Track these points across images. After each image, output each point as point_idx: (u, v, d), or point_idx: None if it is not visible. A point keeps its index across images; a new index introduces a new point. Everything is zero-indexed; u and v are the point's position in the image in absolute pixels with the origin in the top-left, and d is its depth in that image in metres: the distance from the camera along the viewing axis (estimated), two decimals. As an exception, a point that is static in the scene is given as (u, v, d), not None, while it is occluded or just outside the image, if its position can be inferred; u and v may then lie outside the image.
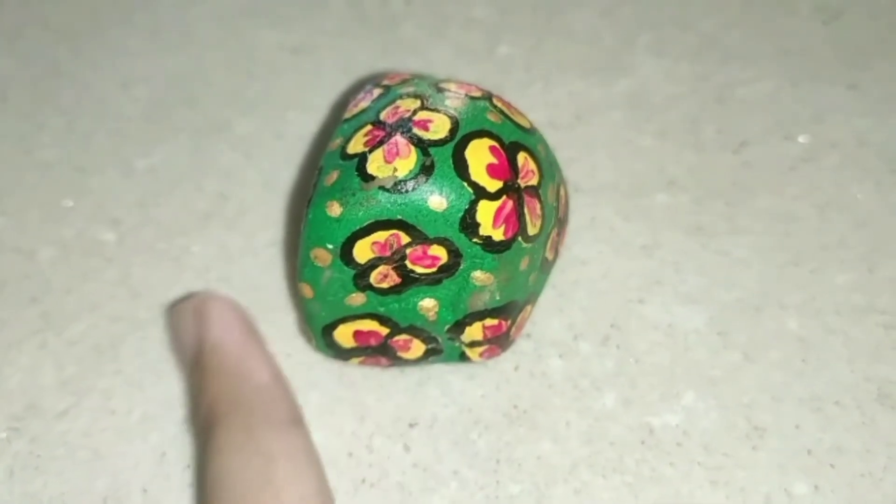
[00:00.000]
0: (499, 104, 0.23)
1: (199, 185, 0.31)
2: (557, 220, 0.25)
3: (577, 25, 0.36)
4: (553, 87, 0.34)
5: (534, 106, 0.33)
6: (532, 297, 0.25)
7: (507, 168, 0.22)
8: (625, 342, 0.26)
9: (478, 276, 0.22)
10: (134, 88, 0.35)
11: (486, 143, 0.21)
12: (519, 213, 0.22)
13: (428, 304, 0.23)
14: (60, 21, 0.38)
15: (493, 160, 0.21)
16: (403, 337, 0.24)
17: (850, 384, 0.25)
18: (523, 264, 0.23)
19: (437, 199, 0.21)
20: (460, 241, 0.21)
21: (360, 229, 0.21)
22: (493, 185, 0.21)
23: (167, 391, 0.25)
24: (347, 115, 0.24)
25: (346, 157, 0.22)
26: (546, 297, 0.27)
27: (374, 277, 0.22)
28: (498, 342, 0.24)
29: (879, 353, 0.25)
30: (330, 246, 0.22)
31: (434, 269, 0.22)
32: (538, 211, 0.22)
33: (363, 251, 0.21)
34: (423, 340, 0.24)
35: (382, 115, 0.22)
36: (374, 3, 0.38)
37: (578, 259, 0.28)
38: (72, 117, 0.34)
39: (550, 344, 0.26)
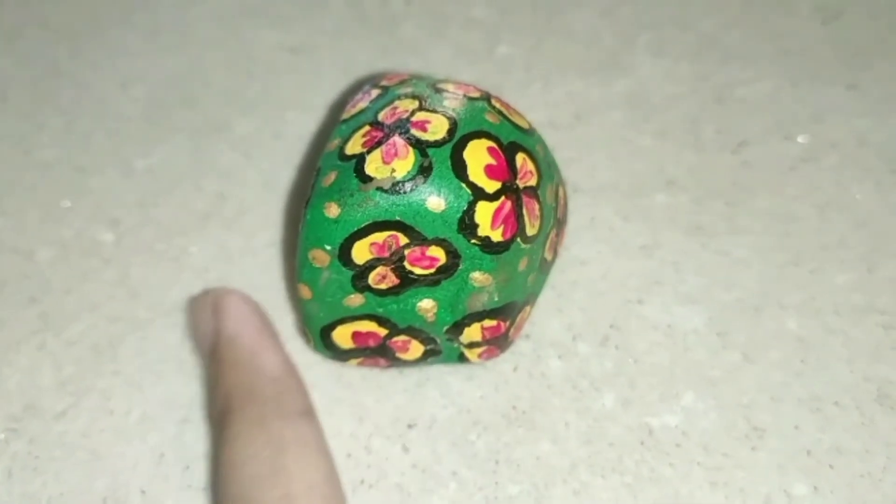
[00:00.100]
0: (497, 105, 0.23)
1: (198, 185, 0.31)
2: (556, 220, 0.25)
3: (576, 25, 0.36)
4: (552, 87, 0.34)
5: (533, 106, 0.33)
6: (531, 298, 0.25)
7: (505, 169, 0.21)
8: (624, 342, 0.26)
9: (476, 276, 0.22)
10: (133, 88, 0.35)
11: (485, 143, 0.21)
12: (517, 214, 0.22)
13: (426, 305, 0.23)
14: (60, 21, 0.38)
15: (492, 161, 0.21)
16: (402, 338, 0.24)
17: (849, 384, 0.25)
18: (522, 265, 0.23)
19: (435, 199, 0.21)
20: (459, 242, 0.21)
21: (359, 230, 0.21)
22: (491, 186, 0.21)
23: (166, 392, 0.25)
24: (345, 115, 0.24)
25: (344, 157, 0.22)
26: (545, 297, 0.27)
27: (372, 278, 0.22)
28: (497, 343, 0.24)
29: (879, 354, 0.25)
30: (328, 247, 0.22)
31: (432, 270, 0.22)
32: (537, 212, 0.22)
33: (361, 252, 0.21)
34: (422, 341, 0.24)
35: (380, 116, 0.22)
36: (374, 3, 0.38)
37: (578, 259, 0.28)
38: (71, 117, 0.34)
39: (549, 344, 0.26)
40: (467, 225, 0.21)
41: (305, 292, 0.23)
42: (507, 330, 0.24)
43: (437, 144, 0.21)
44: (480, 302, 0.23)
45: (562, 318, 0.27)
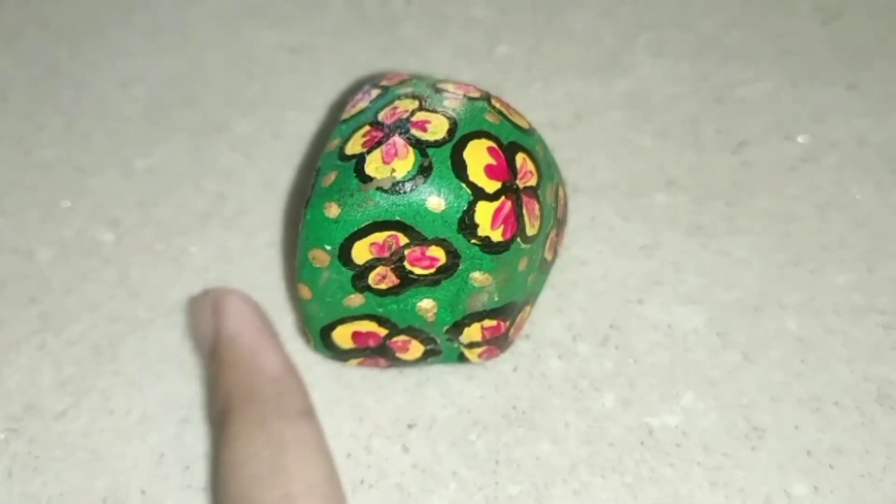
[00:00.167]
0: (497, 105, 0.23)
1: (198, 185, 0.31)
2: (556, 220, 0.25)
3: (576, 25, 0.36)
4: (552, 87, 0.34)
5: (533, 106, 0.33)
6: (531, 298, 0.25)
7: (505, 169, 0.21)
8: (624, 342, 0.26)
9: (476, 276, 0.22)
10: (133, 88, 0.35)
11: (485, 143, 0.21)
12: (517, 214, 0.22)
13: (426, 305, 0.23)
14: (60, 21, 0.38)
15: (492, 161, 0.21)
16: (402, 338, 0.24)
17: (849, 384, 0.25)
18: (522, 265, 0.23)
19: (435, 199, 0.21)
20: (459, 241, 0.21)
21: (359, 230, 0.21)
22: (491, 186, 0.21)
23: (166, 392, 0.25)
24: (345, 115, 0.24)
25: (344, 157, 0.22)
26: (545, 297, 0.27)
27: (372, 278, 0.22)
28: (497, 343, 0.24)
29: (879, 354, 0.25)
30: (328, 247, 0.22)
31: (432, 270, 0.22)
32: (537, 212, 0.22)
33: (361, 252, 0.21)
34: (422, 341, 0.24)
35: (380, 116, 0.22)
36: (374, 3, 0.38)
37: (577, 259, 0.28)
38: (71, 117, 0.34)
39: (549, 344, 0.26)
40: (467, 225, 0.21)
41: (305, 292, 0.23)
42: (507, 330, 0.24)
43: (437, 144, 0.21)
44: (480, 302, 0.23)
45: (562, 318, 0.27)
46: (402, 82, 0.24)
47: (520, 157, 0.22)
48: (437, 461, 0.24)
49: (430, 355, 0.24)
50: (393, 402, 0.25)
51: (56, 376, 0.26)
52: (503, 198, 0.21)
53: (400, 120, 0.22)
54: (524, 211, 0.22)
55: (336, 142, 0.23)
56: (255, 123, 0.33)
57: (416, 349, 0.24)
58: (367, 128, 0.22)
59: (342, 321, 0.23)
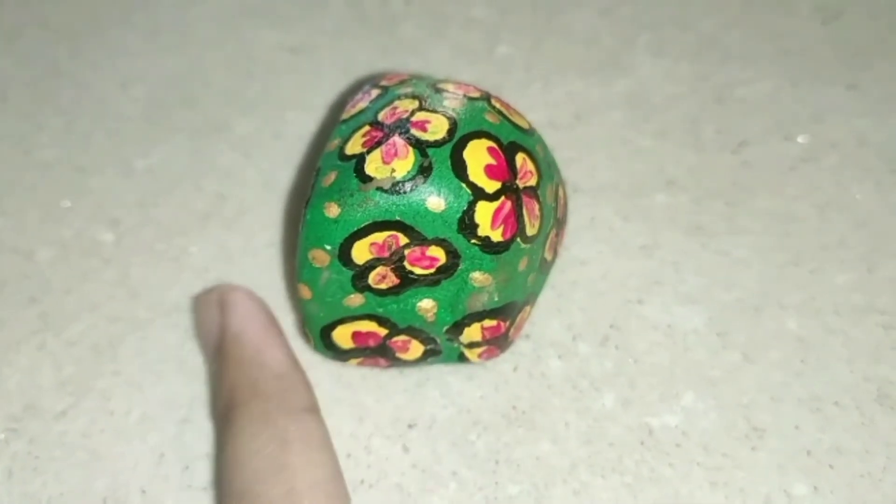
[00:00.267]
0: (497, 105, 0.23)
1: (198, 185, 0.31)
2: (556, 220, 0.25)
3: (576, 25, 0.36)
4: (552, 87, 0.34)
5: (533, 106, 0.33)
6: (531, 298, 0.25)
7: (505, 169, 0.21)
8: (624, 342, 0.26)
9: (476, 276, 0.22)
10: (133, 88, 0.35)
11: (485, 143, 0.21)
12: (517, 214, 0.22)
13: (426, 304, 0.23)
14: (60, 21, 0.38)
15: (492, 161, 0.21)
16: (402, 338, 0.24)
17: (849, 384, 0.25)
18: (522, 265, 0.23)
19: (435, 199, 0.21)
20: (459, 241, 0.21)
21: (359, 230, 0.21)
22: (491, 186, 0.21)
23: (166, 392, 0.25)
24: (345, 115, 0.24)
25: (344, 157, 0.22)
26: (545, 297, 0.27)
27: (372, 278, 0.22)
28: (497, 343, 0.24)
29: (879, 354, 0.25)
30: (328, 247, 0.22)
31: (432, 270, 0.22)
32: (537, 211, 0.22)
33: (361, 252, 0.21)
34: (422, 341, 0.24)
35: (380, 116, 0.22)
36: (374, 3, 0.38)
37: (577, 259, 0.28)
38: (71, 117, 0.34)
39: (549, 344, 0.26)
40: (467, 225, 0.21)
41: (305, 292, 0.23)
42: (507, 330, 0.24)
43: (437, 144, 0.21)
44: (480, 302, 0.23)
45: (562, 318, 0.27)
46: (402, 82, 0.24)
47: (520, 157, 0.22)
48: (438, 461, 0.24)
49: (430, 355, 0.24)
50: (393, 402, 0.25)
51: (56, 376, 0.26)
52: (503, 198, 0.21)
53: (400, 120, 0.22)
54: (524, 211, 0.22)
55: (336, 142, 0.23)
56: (255, 123, 0.33)
57: (416, 349, 0.24)
58: (367, 128, 0.22)
59: (342, 321, 0.23)
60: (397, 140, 0.21)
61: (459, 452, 0.24)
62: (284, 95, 0.34)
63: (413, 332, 0.24)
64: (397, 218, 0.21)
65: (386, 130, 0.22)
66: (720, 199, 0.30)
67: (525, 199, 0.22)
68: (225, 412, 0.22)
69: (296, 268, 0.23)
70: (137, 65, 0.36)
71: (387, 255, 0.21)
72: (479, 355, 0.24)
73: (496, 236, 0.21)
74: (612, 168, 0.31)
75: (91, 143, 0.33)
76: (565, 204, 0.26)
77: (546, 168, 0.23)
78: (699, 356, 0.26)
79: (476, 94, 0.23)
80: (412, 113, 0.22)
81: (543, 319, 0.27)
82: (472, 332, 0.23)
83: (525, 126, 0.23)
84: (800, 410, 0.24)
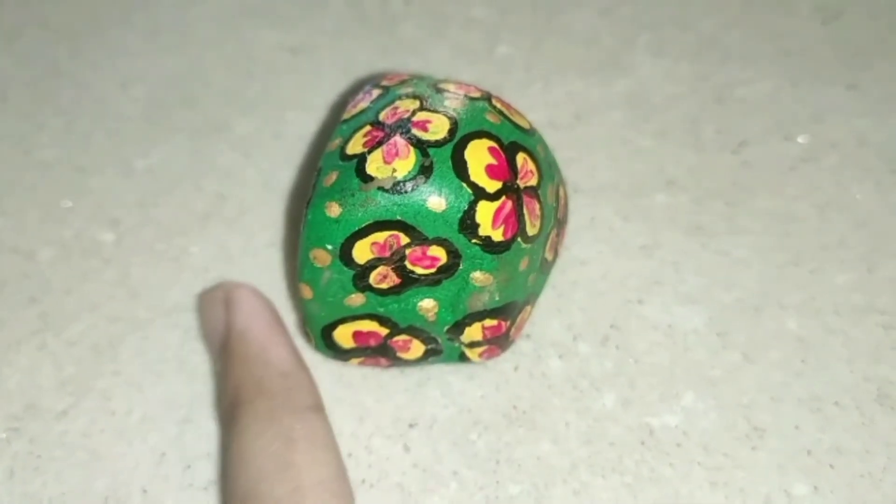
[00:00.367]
0: (498, 105, 0.23)
1: (198, 185, 0.31)
2: (557, 220, 0.25)
3: (576, 25, 0.36)
4: (552, 87, 0.34)
5: (533, 106, 0.33)
6: (531, 298, 0.25)
7: (506, 169, 0.22)
8: (624, 342, 0.26)
9: (477, 276, 0.22)
10: (133, 88, 0.35)
11: (486, 143, 0.21)
12: (518, 214, 0.22)
13: (427, 304, 0.23)
14: (60, 21, 0.38)
15: (493, 161, 0.21)
16: (403, 337, 0.24)
17: (849, 384, 0.25)
18: (523, 265, 0.23)
19: (436, 199, 0.21)
20: (459, 241, 0.21)
21: (360, 230, 0.21)
22: (492, 186, 0.21)
23: (167, 392, 0.25)
24: (346, 115, 0.24)
25: (345, 157, 0.22)
26: (545, 297, 0.27)
27: (373, 278, 0.22)
28: (497, 343, 0.24)
29: (879, 353, 0.25)
30: (329, 247, 0.22)
31: (433, 270, 0.22)
32: (537, 211, 0.22)
33: (362, 252, 0.21)
34: (423, 341, 0.24)
35: (381, 116, 0.22)
36: (374, 3, 0.38)
37: (578, 259, 0.28)
38: (71, 117, 0.34)
39: (550, 344, 0.26)
40: (468, 225, 0.21)
41: (306, 292, 0.23)
42: (508, 329, 0.24)
43: (438, 144, 0.21)
44: (481, 301, 0.23)
45: (562, 318, 0.27)
46: (403, 82, 0.24)
47: (520, 157, 0.22)
48: (438, 461, 0.24)
49: (430, 355, 0.24)
50: (394, 402, 0.25)
51: (56, 376, 0.26)
52: (504, 197, 0.21)
53: (401, 120, 0.22)
54: (525, 211, 0.22)
55: (337, 141, 0.23)
56: (255, 123, 0.33)
57: (417, 349, 0.24)
58: (368, 128, 0.22)
59: (343, 321, 0.23)
60: (398, 140, 0.21)
61: (460, 452, 0.24)
62: (284, 95, 0.34)
63: (414, 332, 0.24)
64: (398, 218, 0.21)
65: (387, 130, 0.22)
66: (720, 199, 0.30)
67: (526, 198, 0.22)
68: (230, 410, 0.22)
69: (297, 267, 0.23)
70: (137, 65, 0.36)
71: (388, 254, 0.21)
72: (480, 355, 0.24)
73: (497, 236, 0.21)
74: (612, 168, 0.31)
75: (91, 143, 0.33)
76: (566, 204, 0.26)
77: (547, 168, 0.23)
78: (699, 356, 0.26)
79: (477, 94, 0.23)
80: (413, 113, 0.22)
81: (544, 319, 0.27)
82: (473, 332, 0.23)
83: (526, 126, 0.23)
84: (800, 410, 0.24)
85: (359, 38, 0.36)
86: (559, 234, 0.26)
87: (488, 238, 0.21)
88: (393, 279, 0.22)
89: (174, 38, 0.37)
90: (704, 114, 0.32)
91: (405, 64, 0.35)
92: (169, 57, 0.36)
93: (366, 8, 0.37)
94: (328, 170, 0.22)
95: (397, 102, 0.23)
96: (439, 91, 0.23)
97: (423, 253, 0.22)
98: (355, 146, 0.22)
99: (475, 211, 0.21)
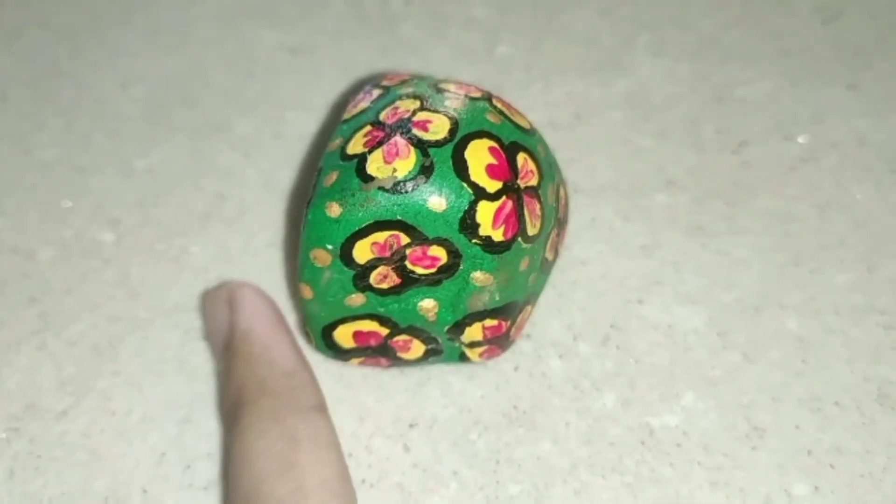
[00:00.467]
0: (498, 105, 0.23)
1: (198, 185, 0.31)
2: (557, 220, 0.25)
3: (576, 25, 0.36)
4: (552, 87, 0.34)
5: (533, 106, 0.33)
6: (532, 298, 0.25)
7: (506, 169, 0.22)
8: (624, 342, 0.26)
9: (477, 276, 0.22)
10: (133, 88, 0.35)
11: (486, 143, 0.21)
12: (519, 214, 0.22)
13: (428, 304, 0.23)
14: (60, 21, 0.38)
15: (493, 161, 0.21)
16: (403, 337, 0.24)
17: (849, 384, 0.25)
18: (523, 265, 0.23)
19: (436, 199, 0.21)
20: (460, 241, 0.21)
21: (360, 230, 0.21)
22: (492, 186, 0.21)
23: (166, 392, 0.25)
24: (347, 115, 0.24)
25: (345, 157, 0.22)
26: (546, 297, 0.27)
27: (373, 278, 0.22)
28: (498, 343, 0.24)
29: (879, 354, 0.25)
30: (329, 246, 0.22)
31: (434, 270, 0.22)
32: (538, 211, 0.22)
33: (363, 252, 0.21)
34: (423, 341, 0.24)
35: (382, 116, 0.22)
36: (374, 3, 0.38)
37: (578, 259, 0.28)
38: (71, 117, 0.34)
39: (550, 344, 0.26)
40: (468, 224, 0.21)
41: (307, 292, 0.23)
42: (509, 329, 0.24)
43: (438, 144, 0.21)
44: (482, 301, 0.23)
45: (562, 317, 0.27)
46: (404, 82, 0.24)
47: (521, 157, 0.22)
48: (438, 461, 0.24)
49: (431, 355, 0.24)
50: (394, 402, 0.25)
51: (56, 376, 0.26)
52: (504, 197, 0.21)
53: (401, 120, 0.22)
54: (525, 211, 0.22)
55: (337, 141, 0.23)
56: (255, 123, 0.33)
57: (417, 349, 0.24)
58: (368, 127, 0.22)
59: (343, 321, 0.23)
60: (399, 140, 0.21)
61: (460, 452, 0.24)
62: (284, 95, 0.34)
63: (414, 332, 0.24)
64: (399, 217, 0.21)
65: (387, 130, 0.22)
66: (720, 199, 0.30)
67: (526, 198, 0.22)
68: (233, 409, 0.22)
69: (297, 267, 0.23)
70: (137, 65, 0.36)
71: (388, 254, 0.21)
72: (480, 355, 0.24)
73: (497, 236, 0.21)
74: (612, 168, 0.31)
75: (91, 143, 0.33)
76: (566, 204, 0.26)
77: (547, 168, 0.23)
78: (699, 356, 0.26)
79: (477, 94, 0.23)
80: (414, 113, 0.22)
81: (544, 319, 0.27)
82: (474, 332, 0.23)
83: (526, 126, 0.23)
84: (800, 410, 0.24)
85: (359, 38, 0.36)
86: (559, 234, 0.26)
87: (489, 238, 0.21)
88: (393, 279, 0.22)
89: (174, 38, 0.37)
90: (704, 114, 0.32)
91: (405, 64, 0.35)
92: (169, 57, 0.36)
93: (366, 8, 0.37)
94: (328, 170, 0.22)
95: (398, 102, 0.23)
96: (440, 91, 0.23)
97: (424, 253, 0.22)
98: (356, 146, 0.22)
99: (475, 211, 0.21)
